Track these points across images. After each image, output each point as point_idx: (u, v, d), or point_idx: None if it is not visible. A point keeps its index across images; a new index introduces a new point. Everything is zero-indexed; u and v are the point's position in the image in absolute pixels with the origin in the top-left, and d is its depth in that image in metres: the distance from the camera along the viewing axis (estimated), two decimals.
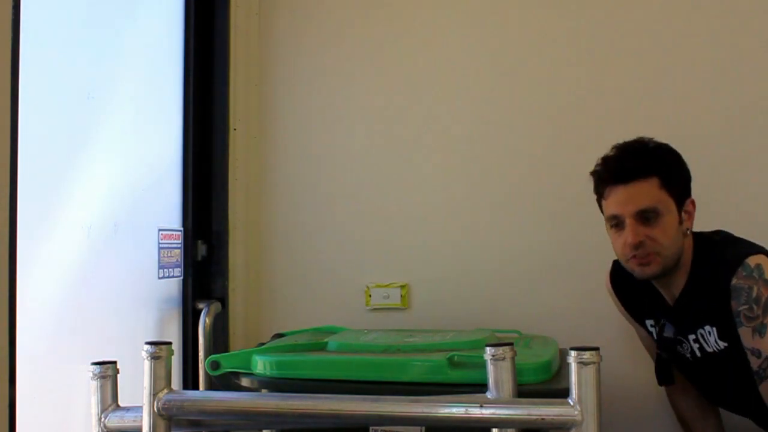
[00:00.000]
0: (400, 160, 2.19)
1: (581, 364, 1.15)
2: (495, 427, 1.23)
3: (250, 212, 2.23)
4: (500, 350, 1.22)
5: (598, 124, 2.04)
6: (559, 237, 2.06)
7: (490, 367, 1.23)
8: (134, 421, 1.31)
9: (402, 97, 2.20)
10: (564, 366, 1.38)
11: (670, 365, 1.67)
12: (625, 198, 1.53)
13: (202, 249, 2.10)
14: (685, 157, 1.58)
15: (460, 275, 2.12)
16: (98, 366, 1.35)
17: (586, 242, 1.97)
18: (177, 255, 1.98)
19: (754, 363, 1.47)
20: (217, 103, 2.15)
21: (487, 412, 1.18)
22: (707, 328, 1.55)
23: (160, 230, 1.92)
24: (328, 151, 2.24)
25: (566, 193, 2.04)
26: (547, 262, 2.06)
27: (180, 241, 2.00)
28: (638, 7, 2.07)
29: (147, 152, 1.93)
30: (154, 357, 1.28)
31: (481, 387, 1.24)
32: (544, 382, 1.43)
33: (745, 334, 1.47)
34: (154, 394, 1.27)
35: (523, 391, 1.26)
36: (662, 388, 1.79)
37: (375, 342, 1.65)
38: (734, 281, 1.46)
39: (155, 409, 1.27)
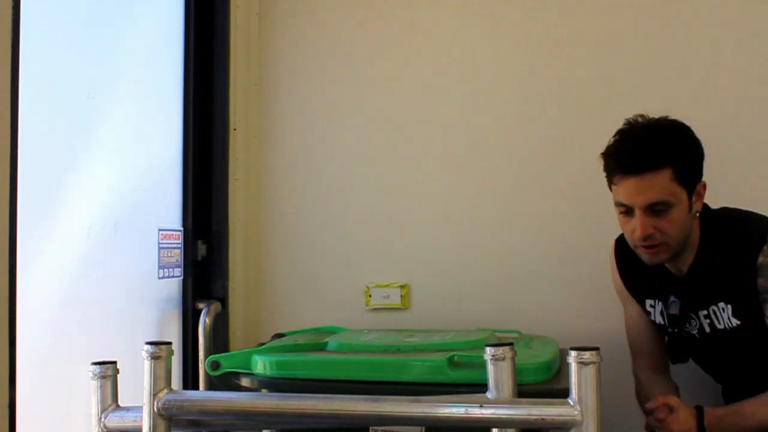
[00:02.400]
0: (400, 160, 2.19)
1: (581, 364, 1.15)
2: (495, 427, 1.23)
3: (250, 212, 2.23)
4: (500, 350, 1.22)
5: (599, 125, 2.02)
6: (560, 237, 2.06)
7: (490, 367, 1.23)
8: (134, 421, 1.31)
9: (402, 97, 2.20)
10: (564, 366, 1.37)
11: (681, 343, 1.65)
12: (635, 190, 1.48)
13: (202, 249, 2.10)
14: None
15: (460, 275, 2.12)
16: (98, 366, 1.35)
17: (587, 242, 1.97)
18: (177, 255, 1.98)
19: None
20: (217, 103, 2.15)
21: (487, 412, 1.18)
22: (721, 305, 1.54)
23: (160, 230, 1.91)
24: (328, 151, 2.24)
25: (567, 193, 2.04)
26: (547, 262, 2.06)
27: (180, 241, 2.00)
28: (639, 8, 2.07)
29: (147, 152, 1.93)
30: (154, 357, 1.28)
31: (481, 387, 1.24)
32: (544, 382, 1.43)
33: None
34: (154, 394, 1.27)
35: (523, 391, 1.26)
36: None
37: (375, 342, 1.65)
38: (761, 259, 1.46)
39: (155, 409, 1.27)
